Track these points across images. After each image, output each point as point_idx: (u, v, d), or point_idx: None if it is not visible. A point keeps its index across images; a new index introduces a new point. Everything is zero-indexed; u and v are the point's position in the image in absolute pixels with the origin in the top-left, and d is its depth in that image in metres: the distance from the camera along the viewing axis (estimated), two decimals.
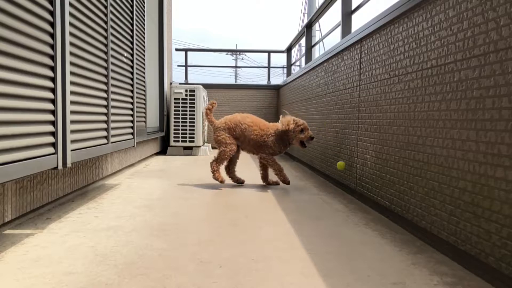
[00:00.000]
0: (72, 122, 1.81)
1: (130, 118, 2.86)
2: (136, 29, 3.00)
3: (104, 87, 2.26)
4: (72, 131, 1.81)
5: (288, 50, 6.25)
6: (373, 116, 2.14)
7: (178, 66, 6.84)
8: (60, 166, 1.67)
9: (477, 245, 1.26)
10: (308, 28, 4.66)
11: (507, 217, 1.13)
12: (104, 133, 2.28)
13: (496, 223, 1.17)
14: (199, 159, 4.71)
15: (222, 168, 2.90)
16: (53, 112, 1.63)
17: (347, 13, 3.09)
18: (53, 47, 1.61)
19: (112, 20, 2.39)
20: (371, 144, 2.16)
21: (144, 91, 3.46)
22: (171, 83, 5.39)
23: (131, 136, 2.85)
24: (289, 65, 6.39)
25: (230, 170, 2.94)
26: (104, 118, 2.27)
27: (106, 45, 2.28)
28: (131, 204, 2.20)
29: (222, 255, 1.40)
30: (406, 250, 1.50)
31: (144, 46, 3.40)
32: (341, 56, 2.78)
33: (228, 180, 2.95)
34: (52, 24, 1.60)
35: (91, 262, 1.32)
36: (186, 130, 5.10)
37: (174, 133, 5.11)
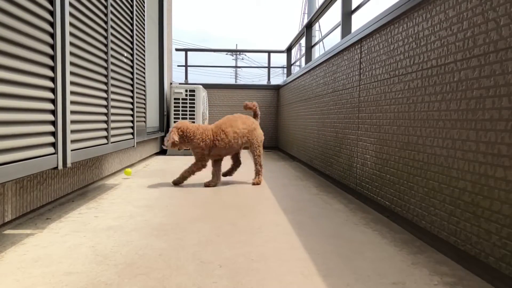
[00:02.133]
0: (72, 122, 1.81)
1: (130, 118, 2.86)
2: (136, 29, 3.00)
3: (104, 87, 2.26)
4: (72, 131, 1.81)
5: (288, 50, 6.25)
6: (373, 116, 2.14)
7: (178, 66, 6.84)
8: (60, 166, 1.68)
9: (477, 245, 1.26)
10: (308, 28, 4.66)
11: (507, 217, 1.13)
12: (104, 133, 2.28)
13: (496, 223, 1.17)
14: None
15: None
16: (53, 112, 1.63)
17: (347, 13, 3.09)
18: (53, 47, 1.61)
19: (112, 20, 2.39)
20: (371, 144, 2.16)
21: (144, 91, 3.46)
22: (171, 83, 5.38)
23: (131, 136, 2.85)
24: (289, 65, 6.39)
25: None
26: (104, 118, 2.27)
27: (106, 45, 2.29)
28: (131, 204, 2.20)
29: (222, 255, 1.40)
30: (406, 250, 1.50)
31: (144, 46, 3.40)
32: (341, 56, 2.78)
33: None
34: (52, 24, 1.60)
35: (91, 262, 1.32)
36: None
37: None
